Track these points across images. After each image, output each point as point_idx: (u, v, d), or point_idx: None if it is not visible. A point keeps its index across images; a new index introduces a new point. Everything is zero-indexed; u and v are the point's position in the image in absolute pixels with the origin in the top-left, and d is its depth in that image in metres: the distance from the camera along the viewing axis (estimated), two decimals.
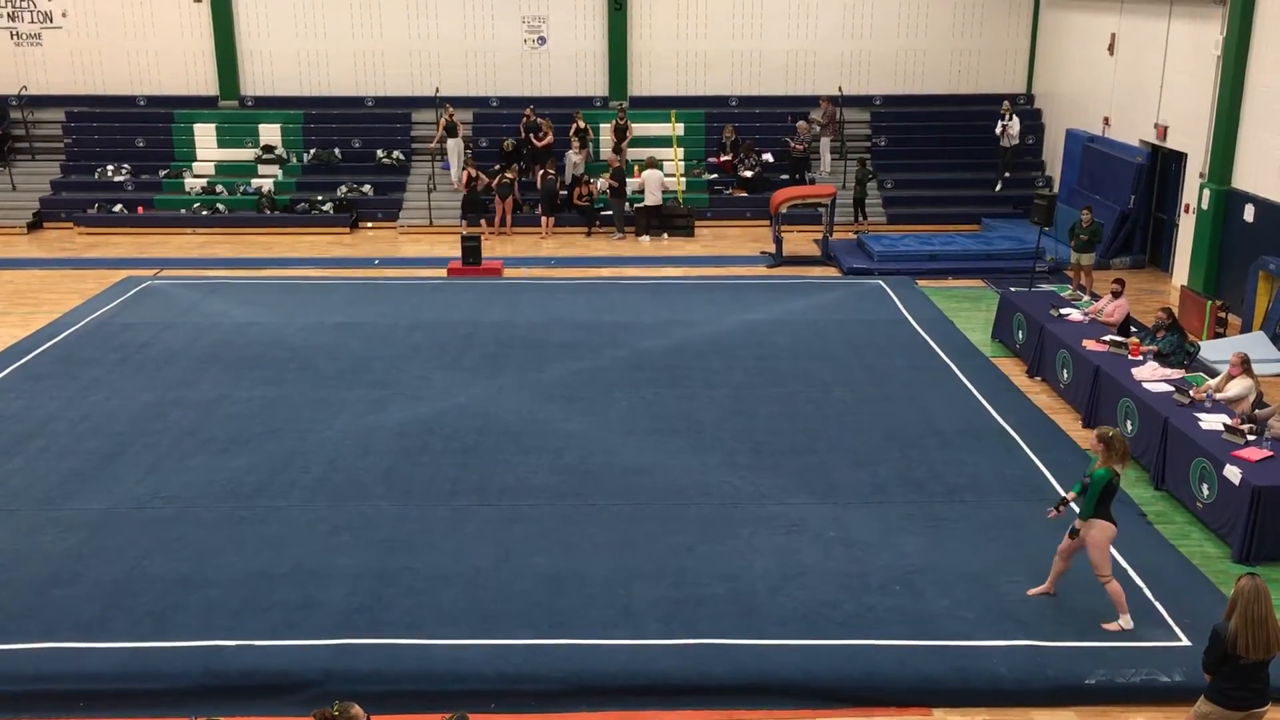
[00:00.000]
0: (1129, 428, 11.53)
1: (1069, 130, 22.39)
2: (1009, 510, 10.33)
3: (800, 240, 21.20)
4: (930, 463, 11.38)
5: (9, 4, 24.63)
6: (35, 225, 23.01)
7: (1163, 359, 12.35)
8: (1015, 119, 23.12)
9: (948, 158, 24.36)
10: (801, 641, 8.22)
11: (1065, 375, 13.31)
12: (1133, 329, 14.41)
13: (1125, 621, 8.37)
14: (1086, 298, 15.35)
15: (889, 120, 25.21)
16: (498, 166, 22.58)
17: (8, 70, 24.83)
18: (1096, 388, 12.45)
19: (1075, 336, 13.40)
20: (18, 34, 24.85)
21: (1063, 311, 14.33)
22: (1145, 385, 11.74)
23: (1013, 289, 16.64)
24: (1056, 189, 22.23)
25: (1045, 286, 17.26)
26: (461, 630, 8.33)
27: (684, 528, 9.95)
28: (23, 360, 14.26)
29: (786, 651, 8.12)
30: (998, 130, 23.10)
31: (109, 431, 12.02)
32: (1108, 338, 13.18)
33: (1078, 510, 8.41)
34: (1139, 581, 9.02)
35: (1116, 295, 14.14)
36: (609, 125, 24.27)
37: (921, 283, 18.57)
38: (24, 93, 24.64)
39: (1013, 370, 14.37)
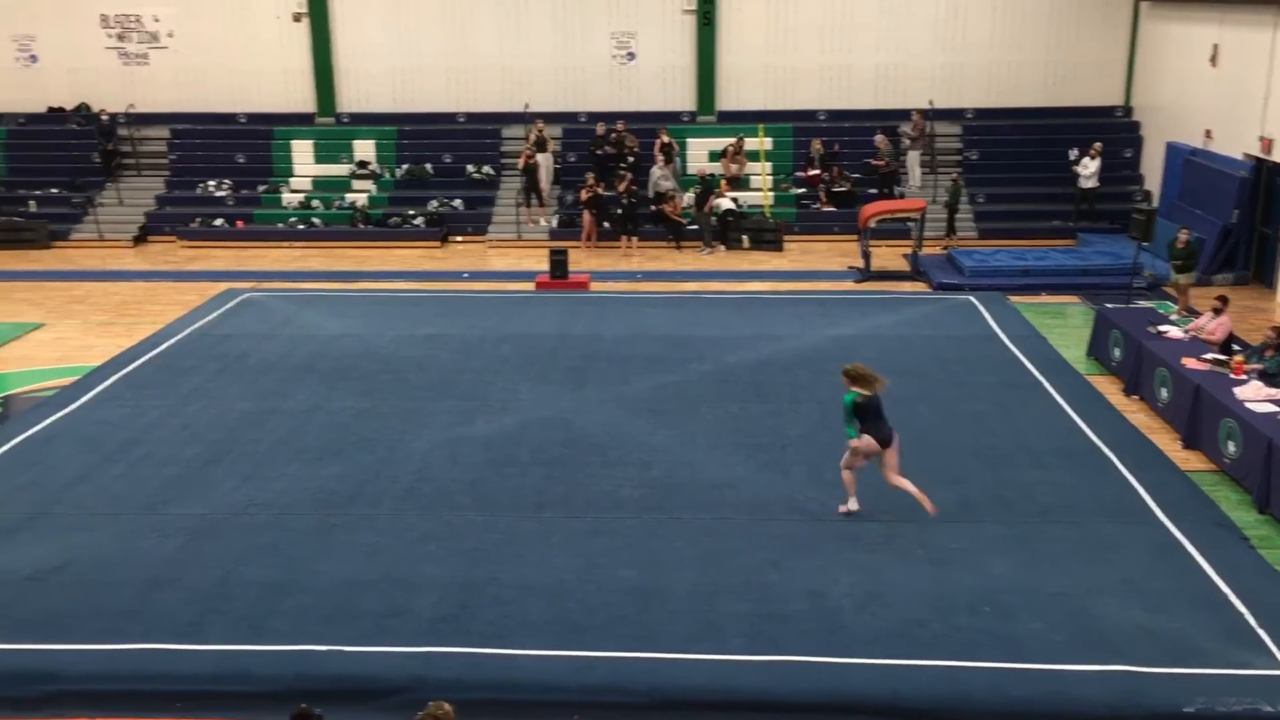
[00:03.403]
0: (1231, 449, 11.17)
1: (1169, 143, 21.83)
2: (1103, 531, 10.07)
3: (889, 255, 20.98)
4: (1021, 482, 11.15)
5: (118, 25, 25.58)
6: (141, 239, 23.81)
7: (1268, 378, 11.95)
8: (1098, 160, 22.30)
9: (1042, 171, 23.88)
10: (888, 661, 8.11)
11: (1164, 394, 12.95)
12: (1235, 347, 13.96)
13: (852, 504, 10.30)
14: (1186, 315, 14.93)
15: (981, 134, 24.84)
16: (590, 180, 22.74)
17: (116, 89, 25.75)
18: (1197, 407, 12.08)
19: (1175, 354, 13.04)
20: (126, 54, 25.77)
21: (1161, 329, 13.96)
22: (1249, 405, 11.36)
23: (1109, 305, 16.25)
24: (1156, 203, 21.68)
25: (1143, 303, 16.83)
26: (546, 641, 8.38)
27: (769, 543, 9.90)
28: (127, 369, 14.73)
29: (872, 671, 8.01)
30: (1074, 164, 22.48)
31: (208, 439, 12.35)
32: (1209, 356, 12.80)
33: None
34: (1241, 607, 8.72)
35: (1218, 312, 13.73)
36: (698, 140, 24.34)
37: (1014, 298, 18.23)
38: (131, 110, 25.53)
39: (1109, 389, 14.03)
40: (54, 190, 24.77)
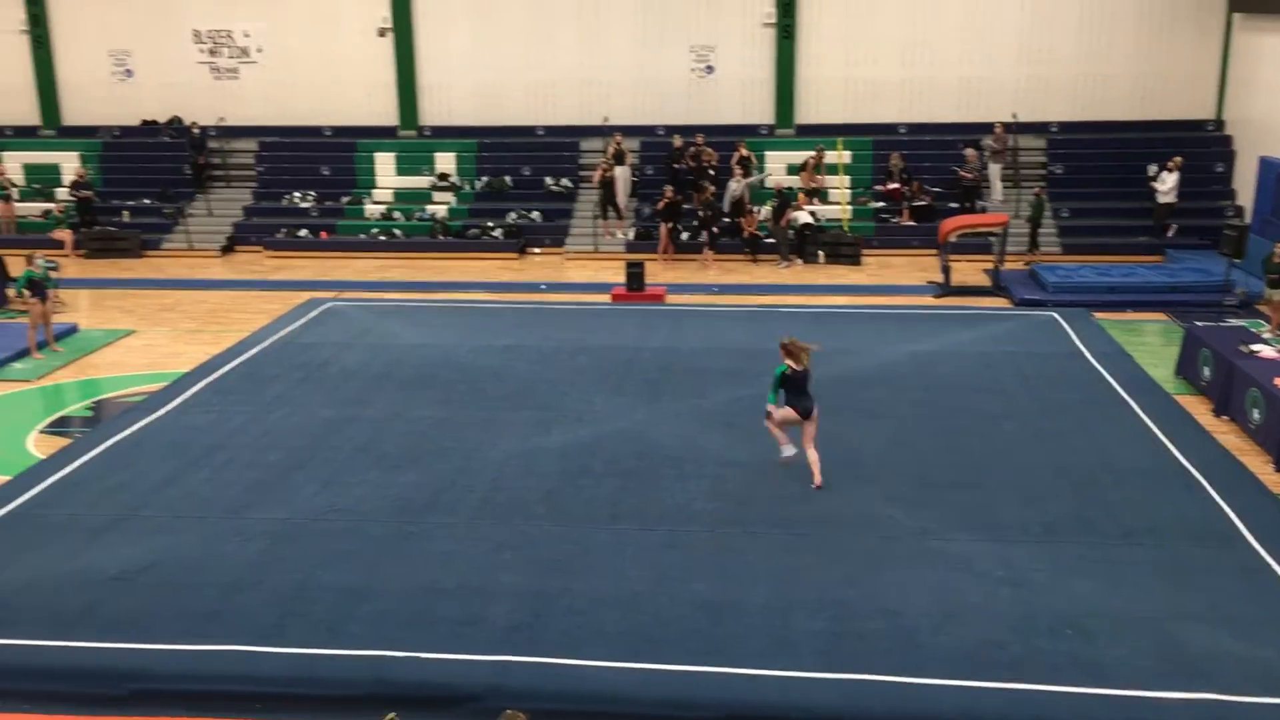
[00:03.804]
0: None
1: (1262, 158, 21.21)
2: (1190, 555, 9.80)
3: (969, 270, 20.70)
4: (1105, 502, 10.90)
5: (210, 41, 26.29)
6: (228, 249, 24.39)
7: None
8: (1176, 174, 21.79)
9: (1129, 186, 23.38)
10: (966, 683, 7.96)
11: (1256, 415, 12.57)
12: None
13: (788, 450, 11.19)
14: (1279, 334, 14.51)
15: (1066, 147, 24.41)
16: (669, 192, 22.76)
17: (207, 103, 26.45)
18: None
19: (1267, 374, 12.65)
20: (217, 69, 26.47)
21: (1254, 348, 13.56)
22: None
23: (1199, 323, 15.84)
24: (1249, 219, 21.09)
25: (1234, 321, 16.37)
26: (619, 653, 8.38)
27: (844, 560, 9.79)
28: (213, 376, 15.08)
29: (950, 692, 7.87)
30: (1152, 180, 21.93)
31: (289, 445, 12.58)
32: None
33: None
34: None
35: None
36: (776, 153, 24.29)
37: (1099, 315, 17.86)
38: (221, 124, 26.20)
39: (1198, 409, 13.66)
40: (146, 201, 25.50)
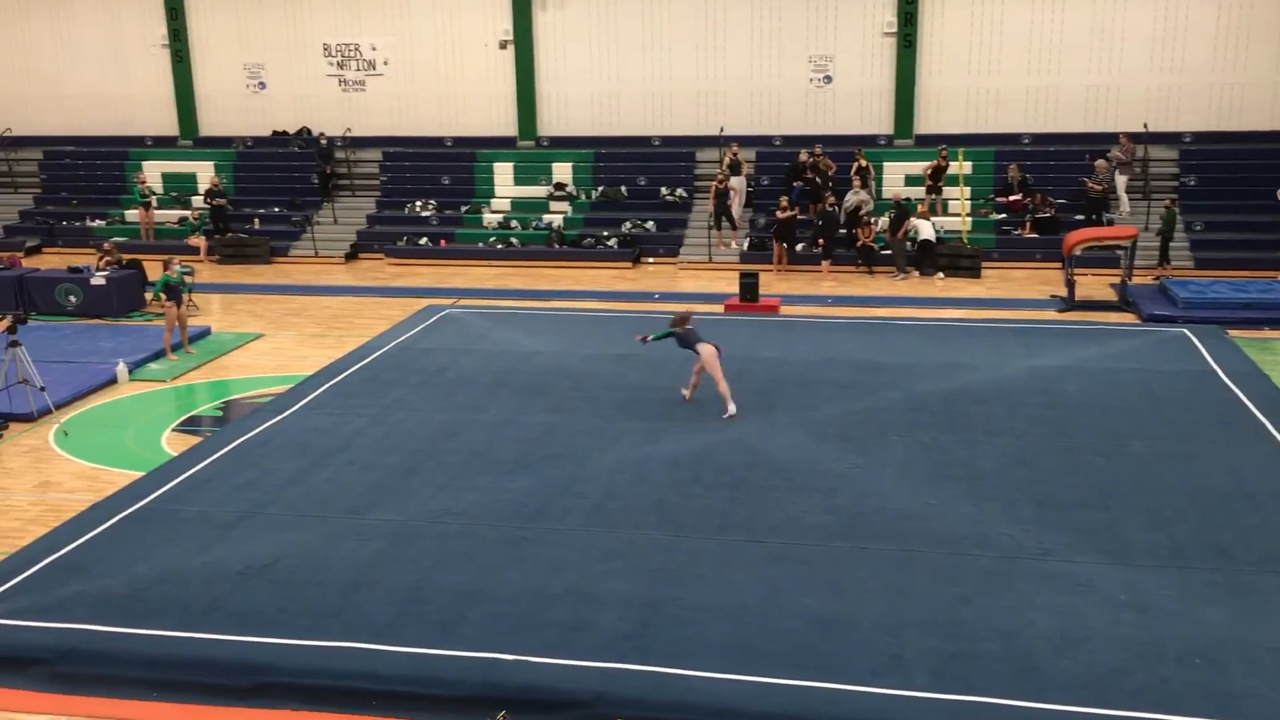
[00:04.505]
0: None
1: None
2: None
3: (1095, 284, 20.10)
4: (1238, 527, 10.44)
5: (339, 54, 27.10)
6: (352, 256, 25.08)
7: None
8: None
9: (1267, 198, 22.43)
10: (1087, 710, 7.69)
11: None
12: None
13: (731, 408, 13.36)
14: None
15: (1199, 158, 23.56)
16: (784, 204, 22.64)
17: (335, 114, 27.29)
18: None
19: None
20: (344, 81, 27.28)
21: None
22: None
23: None
24: None
25: None
26: (726, 665, 8.33)
27: (960, 578, 9.58)
28: (336, 379, 15.49)
29: (1069, 718, 7.62)
30: None
31: (407, 449, 12.85)
32: None
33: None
34: None
35: None
36: (894, 164, 23.96)
37: (1233, 333, 17.16)
38: (348, 134, 26.97)
39: None
40: (276, 209, 26.41)
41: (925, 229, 22.10)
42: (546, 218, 25.12)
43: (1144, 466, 11.96)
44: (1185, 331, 17.19)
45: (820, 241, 22.18)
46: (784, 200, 22.53)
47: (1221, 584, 9.39)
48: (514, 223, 25.02)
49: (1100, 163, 22.78)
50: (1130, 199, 23.11)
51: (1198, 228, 22.41)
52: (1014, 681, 8.04)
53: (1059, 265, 20.58)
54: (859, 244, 22.46)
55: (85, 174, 28.14)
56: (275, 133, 27.90)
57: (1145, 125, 23.25)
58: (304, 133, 27.62)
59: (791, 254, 22.63)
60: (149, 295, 19.66)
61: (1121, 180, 22.93)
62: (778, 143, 25.34)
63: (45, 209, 27.47)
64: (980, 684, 8.01)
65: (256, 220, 26.13)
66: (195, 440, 13.45)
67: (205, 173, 26.97)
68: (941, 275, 21.74)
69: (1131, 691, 7.89)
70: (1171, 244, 21.40)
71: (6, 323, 13.93)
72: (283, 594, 9.46)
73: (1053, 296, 19.94)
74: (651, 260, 24.04)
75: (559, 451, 12.66)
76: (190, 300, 18.44)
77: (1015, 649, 8.46)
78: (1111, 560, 9.82)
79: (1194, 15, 23.51)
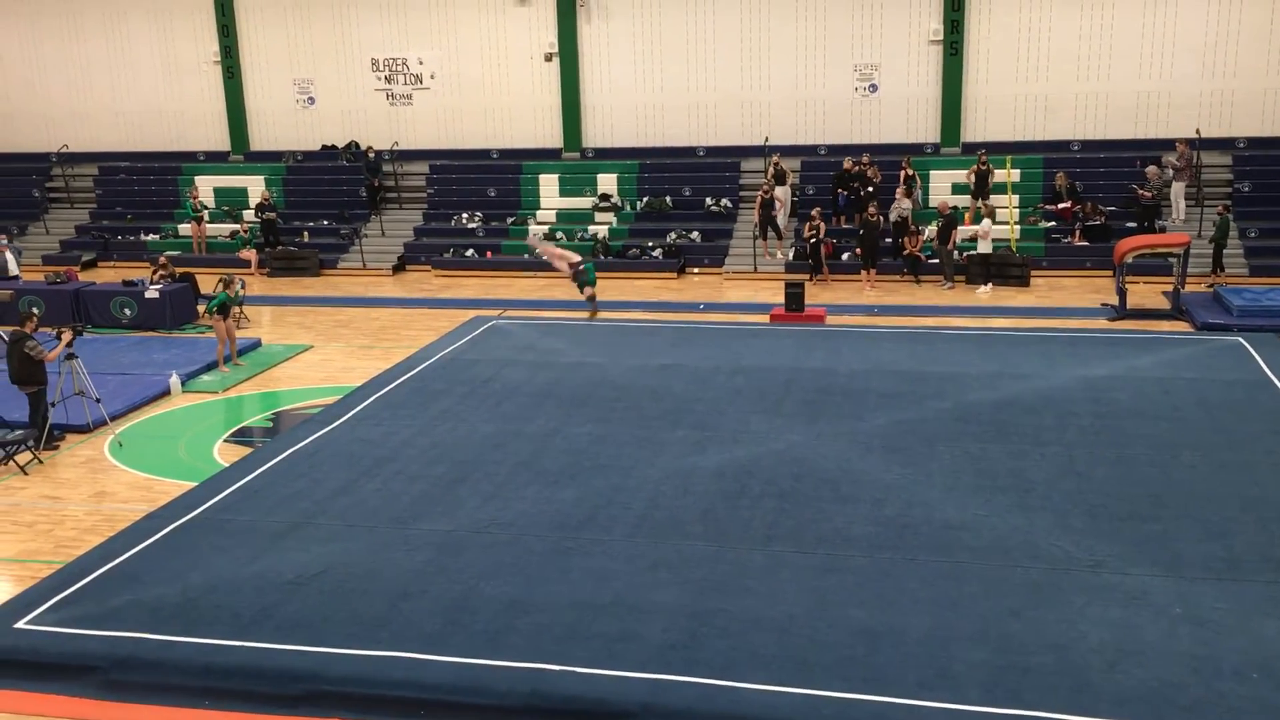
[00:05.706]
0: None
1: None
2: None
3: (1146, 292, 19.82)
4: None
5: (386, 69, 27.40)
6: (399, 268, 25.32)
7: None
8: None
9: None
10: None
11: None
12: None
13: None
14: None
15: (1254, 164, 23.18)
16: (815, 215, 22.55)
17: (383, 128, 27.60)
18: None
19: None
20: (392, 95, 27.58)
21: None
22: None
23: None
24: None
25: None
26: (773, 676, 8.29)
27: (1010, 590, 9.46)
28: (384, 390, 15.63)
29: None
30: None
31: (454, 459, 12.93)
32: None
33: None
34: None
35: None
36: (941, 172, 23.79)
37: None
38: (395, 148, 27.24)
39: None
40: (325, 222, 26.73)
41: (984, 246, 21.65)
42: (592, 229, 25.20)
43: (1198, 477, 11.76)
44: (1240, 340, 16.90)
45: (858, 251, 22.05)
46: (815, 212, 22.37)
47: (1278, 596, 9.20)
48: (560, 234, 25.12)
49: (1152, 169, 22.48)
50: (1184, 205, 22.75)
51: (1252, 234, 22.05)
52: (1067, 696, 7.93)
53: (1110, 273, 20.32)
54: (905, 253, 22.32)
55: (139, 189, 28.66)
56: (324, 147, 28.25)
57: (1198, 131, 22.92)
58: (352, 146, 27.94)
59: (834, 263, 22.50)
60: (202, 309, 19.96)
61: (1178, 187, 22.61)
62: (823, 152, 25.26)
63: (101, 224, 28.02)
64: (1032, 698, 7.91)
65: (306, 233, 26.46)
66: (246, 451, 13.63)
67: (256, 187, 27.38)
68: (988, 287, 21.42)
69: (1186, 706, 7.75)
70: (1225, 251, 21.06)
71: (70, 337, 14.19)
72: (331, 603, 9.54)
73: (1104, 305, 19.69)
74: (696, 270, 24.04)
75: (605, 462, 12.68)
76: (241, 313, 18.68)
77: (1067, 662, 8.35)
78: (1165, 572, 9.66)
79: (1246, 19, 23.15)
